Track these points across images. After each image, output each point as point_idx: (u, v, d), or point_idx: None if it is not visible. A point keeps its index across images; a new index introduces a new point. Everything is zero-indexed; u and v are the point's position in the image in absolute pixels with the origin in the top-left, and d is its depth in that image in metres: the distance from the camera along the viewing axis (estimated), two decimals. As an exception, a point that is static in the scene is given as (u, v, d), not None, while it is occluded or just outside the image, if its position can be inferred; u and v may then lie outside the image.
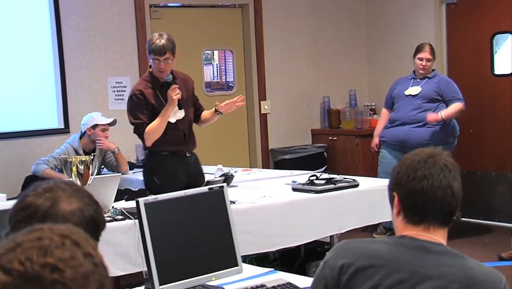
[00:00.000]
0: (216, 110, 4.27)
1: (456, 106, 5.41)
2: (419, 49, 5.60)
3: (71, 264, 0.97)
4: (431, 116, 5.34)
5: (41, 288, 0.94)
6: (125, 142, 5.73)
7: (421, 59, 5.56)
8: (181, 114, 4.12)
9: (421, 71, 5.57)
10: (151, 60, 4.07)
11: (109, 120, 5.05)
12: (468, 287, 1.70)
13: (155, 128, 4.02)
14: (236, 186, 4.24)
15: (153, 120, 4.03)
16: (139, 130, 4.09)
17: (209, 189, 2.41)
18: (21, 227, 1.38)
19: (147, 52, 4.11)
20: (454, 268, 1.73)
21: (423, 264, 1.73)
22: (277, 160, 6.46)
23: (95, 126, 5.04)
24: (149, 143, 4.07)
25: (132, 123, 4.13)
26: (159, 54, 3.98)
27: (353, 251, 1.78)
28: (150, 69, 4.15)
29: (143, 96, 4.06)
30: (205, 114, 4.37)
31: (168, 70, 4.06)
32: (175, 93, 3.97)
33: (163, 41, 4.00)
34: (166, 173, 4.10)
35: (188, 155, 4.19)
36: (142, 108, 4.05)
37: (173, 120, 4.10)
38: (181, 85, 4.11)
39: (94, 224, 1.50)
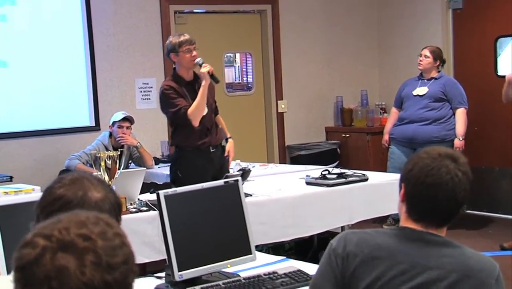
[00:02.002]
0: (226, 139, 4.30)
1: (462, 118, 5.41)
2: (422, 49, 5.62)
3: (103, 236, 1.04)
4: (458, 144, 5.34)
5: (74, 253, 1.00)
6: (151, 139, 5.77)
7: (420, 55, 5.57)
8: (205, 110, 4.12)
9: (418, 67, 5.56)
10: (180, 54, 4.02)
11: (122, 116, 5.05)
12: (466, 276, 1.69)
13: (197, 106, 3.96)
14: (254, 180, 4.24)
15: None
16: (182, 115, 3.98)
17: (225, 182, 2.42)
18: (55, 215, 1.45)
19: (171, 52, 4.05)
20: (452, 258, 1.72)
21: (423, 255, 1.72)
22: (293, 156, 6.45)
23: (113, 123, 5.07)
24: (195, 122, 3.98)
25: (173, 112, 4.04)
26: (190, 43, 4.01)
27: (358, 242, 1.76)
28: (176, 71, 4.13)
29: (174, 89, 4.05)
30: (222, 125, 4.35)
31: (197, 57, 4.05)
32: (205, 68, 3.96)
33: (186, 34, 4.06)
34: (189, 167, 4.09)
35: (212, 150, 4.16)
36: (176, 97, 4.03)
37: None
38: (210, 87, 4.10)
39: (119, 207, 1.56)
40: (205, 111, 4.09)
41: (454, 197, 1.72)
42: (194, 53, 4.03)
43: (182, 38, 4.02)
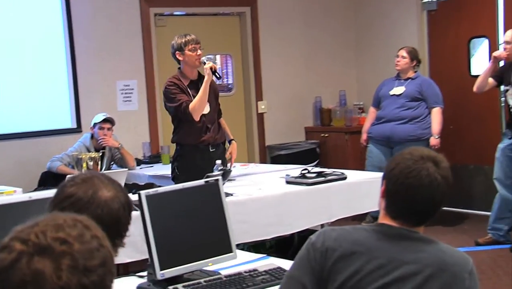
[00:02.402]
0: (229, 141, 4.35)
1: (438, 117, 5.47)
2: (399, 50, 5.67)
3: (79, 240, 1.03)
4: (434, 142, 5.40)
5: (51, 257, 0.99)
6: (133, 140, 5.76)
7: (397, 55, 5.63)
8: (207, 109, 4.12)
9: (396, 67, 5.62)
10: (186, 53, 4.04)
11: (102, 118, 5.04)
12: (440, 270, 1.71)
13: (197, 100, 3.97)
14: (234, 180, 4.25)
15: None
16: (184, 110, 4.00)
17: (206, 182, 2.42)
18: (67, 213, 1.46)
19: (177, 50, 4.07)
20: (428, 253, 1.74)
21: (400, 250, 1.74)
22: (273, 156, 6.47)
23: (94, 125, 5.06)
24: (196, 117, 4.00)
25: (175, 107, 4.04)
26: (196, 42, 4.05)
27: (337, 238, 1.77)
28: (180, 69, 4.14)
29: (177, 85, 4.07)
30: (224, 128, 4.36)
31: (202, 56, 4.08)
32: (209, 64, 3.97)
33: (193, 34, 4.09)
34: (187, 165, 4.09)
35: (212, 149, 4.15)
36: (179, 92, 4.05)
37: None
38: (211, 85, 4.10)
39: (129, 207, 1.58)
40: (207, 110, 4.11)
41: (432, 200, 1.74)
42: (199, 52, 4.06)
43: (188, 37, 4.06)
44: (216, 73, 4.06)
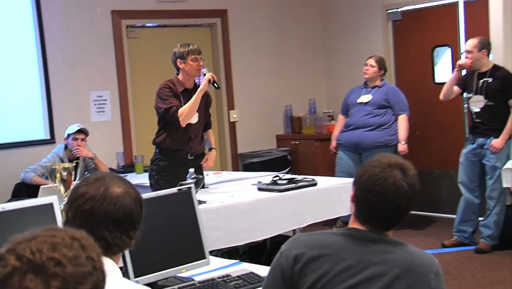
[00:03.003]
0: (210, 149, 4.36)
1: (404, 123, 5.55)
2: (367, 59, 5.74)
3: (74, 262, 1.01)
4: (401, 148, 5.48)
5: (43, 277, 0.98)
6: (106, 150, 5.72)
7: (366, 64, 5.70)
8: (195, 119, 4.11)
9: (364, 75, 5.68)
10: (188, 62, 4.02)
11: (76, 129, 5.00)
12: (407, 271, 1.74)
13: (188, 107, 3.97)
14: (207, 187, 4.24)
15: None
16: (173, 113, 3.98)
17: (179, 190, 2.42)
18: (81, 210, 1.55)
19: (178, 58, 4.05)
20: (395, 254, 1.76)
21: (368, 251, 1.76)
22: (246, 163, 6.48)
23: (68, 136, 5.01)
24: (183, 123, 3.99)
25: (164, 109, 4.02)
26: (199, 53, 4.05)
27: (306, 242, 1.80)
28: (177, 76, 4.11)
29: (170, 88, 4.06)
30: (210, 136, 4.39)
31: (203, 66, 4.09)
32: (209, 75, 3.97)
33: (195, 44, 4.09)
34: (164, 170, 4.08)
35: (190, 157, 4.13)
36: (171, 96, 4.03)
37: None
38: (202, 96, 4.09)
39: (140, 202, 1.62)
40: (195, 119, 4.10)
41: (398, 206, 1.76)
42: (201, 62, 4.06)
43: (191, 47, 4.06)
44: (215, 84, 4.04)
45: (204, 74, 4.05)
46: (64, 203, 1.61)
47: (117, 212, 1.56)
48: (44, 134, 5.57)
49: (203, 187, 4.12)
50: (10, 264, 0.98)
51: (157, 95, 4.11)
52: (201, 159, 4.24)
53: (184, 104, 4.02)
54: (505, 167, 4.82)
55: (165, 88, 4.06)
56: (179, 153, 4.10)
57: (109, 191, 1.57)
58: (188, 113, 3.99)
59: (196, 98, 3.98)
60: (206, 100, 4.21)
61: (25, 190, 4.86)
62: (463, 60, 5.10)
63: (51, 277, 0.98)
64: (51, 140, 5.51)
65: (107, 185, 1.58)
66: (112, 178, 1.62)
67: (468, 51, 5.05)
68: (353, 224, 1.83)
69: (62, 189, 3.10)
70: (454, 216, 5.34)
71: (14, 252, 1.00)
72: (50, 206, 2.25)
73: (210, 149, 4.37)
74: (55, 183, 3.13)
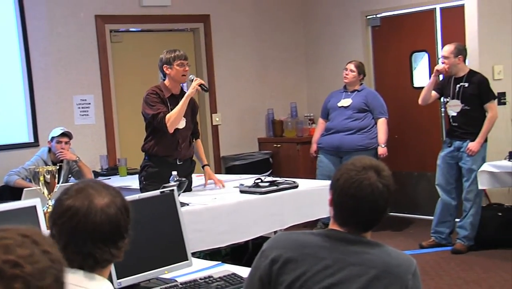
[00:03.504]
0: (202, 166, 4.33)
1: (383, 127, 5.59)
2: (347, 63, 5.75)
3: (30, 260, 0.99)
4: (381, 151, 5.51)
5: (3, 281, 0.95)
6: (90, 154, 5.69)
7: (345, 69, 5.72)
8: (182, 124, 4.08)
9: (344, 80, 5.71)
10: (174, 67, 4.00)
11: (60, 132, 4.96)
12: (384, 272, 1.75)
13: (175, 113, 3.94)
14: (191, 190, 4.23)
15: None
16: (160, 120, 3.96)
17: (161, 192, 2.42)
18: (67, 227, 1.48)
19: (165, 64, 4.03)
20: (373, 255, 1.77)
21: (345, 252, 1.77)
22: (228, 166, 6.48)
23: (52, 139, 4.98)
24: (171, 129, 3.96)
25: (151, 115, 3.99)
26: (185, 58, 4.03)
27: (286, 242, 1.81)
28: (163, 81, 4.10)
29: (158, 94, 4.04)
30: (199, 150, 4.35)
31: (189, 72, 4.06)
32: (197, 82, 3.94)
33: (182, 50, 4.06)
34: (153, 176, 4.04)
35: (179, 163, 4.10)
36: (158, 102, 4.01)
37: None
38: (192, 106, 4.09)
39: (126, 209, 1.55)
40: (182, 125, 4.07)
41: (375, 208, 1.77)
42: (186, 68, 4.04)
43: (177, 53, 4.03)
44: (204, 87, 4.02)
45: (191, 81, 4.04)
46: (48, 218, 1.55)
47: (104, 225, 1.48)
48: (27, 138, 5.52)
49: (189, 190, 4.12)
50: None
51: (144, 101, 4.09)
52: (189, 164, 4.22)
53: (171, 109, 4.01)
54: (480, 169, 4.87)
55: (152, 95, 4.04)
56: (168, 159, 4.08)
57: (94, 204, 1.49)
58: (175, 119, 3.97)
59: (183, 103, 3.97)
60: (192, 106, 4.19)
61: (9, 192, 4.81)
62: (440, 65, 5.15)
63: (11, 280, 0.96)
64: (35, 144, 5.47)
65: (91, 197, 1.50)
66: (94, 188, 1.53)
67: (444, 57, 5.10)
68: (332, 226, 1.84)
69: (45, 191, 3.08)
70: (432, 218, 5.38)
71: None
72: (34, 208, 2.24)
73: (203, 167, 4.32)
74: (39, 186, 3.11)
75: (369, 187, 1.75)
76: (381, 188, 1.76)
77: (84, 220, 1.47)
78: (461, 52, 5.09)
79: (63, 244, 1.47)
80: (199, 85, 3.96)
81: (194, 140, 4.34)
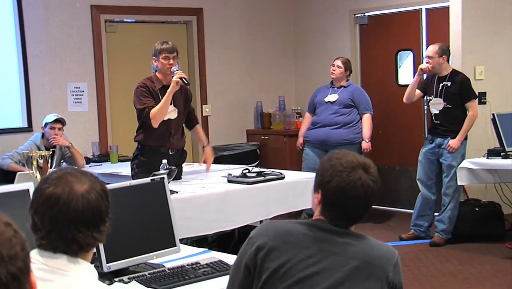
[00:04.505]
0: (203, 147, 4.33)
1: (368, 122, 5.59)
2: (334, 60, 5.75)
3: None
4: (365, 146, 5.50)
5: None
6: (83, 140, 5.65)
7: (333, 65, 5.71)
8: (174, 114, 4.05)
9: (331, 76, 5.71)
10: (160, 60, 3.97)
11: (53, 118, 4.92)
12: (366, 262, 1.75)
13: (158, 109, 3.91)
14: (180, 179, 4.21)
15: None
16: (146, 115, 3.94)
17: (151, 180, 2.40)
18: (49, 214, 1.46)
19: (154, 55, 4.00)
20: (355, 246, 1.77)
21: (329, 242, 1.77)
22: (217, 156, 6.41)
23: (46, 125, 4.93)
24: (155, 124, 3.93)
25: (139, 109, 3.98)
26: (170, 52, 3.97)
27: (271, 231, 1.81)
28: (155, 73, 4.07)
29: (147, 88, 4.00)
30: (199, 133, 4.35)
31: (173, 65, 4.00)
32: (177, 76, 3.89)
33: (170, 43, 4.02)
34: (145, 165, 4.01)
35: (171, 153, 4.07)
36: (146, 96, 3.97)
37: (165, 118, 4.02)
38: (180, 92, 4.04)
39: (106, 194, 1.54)
40: (175, 115, 4.05)
41: (365, 205, 1.78)
42: (171, 61, 3.98)
43: (164, 46, 3.99)
44: (184, 79, 3.95)
45: (173, 73, 3.99)
46: (29, 207, 1.52)
47: (85, 211, 1.47)
48: (21, 123, 5.47)
49: (179, 178, 4.10)
50: None
51: (134, 94, 4.07)
52: (180, 153, 4.20)
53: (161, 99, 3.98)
54: (460, 166, 4.90)
55: (141, 88, 4.01)
56: (160, 149, 4.06)
57: (74, 190, 1.47)
58: (158, 115, 3.93)
59: (165, 99, 3.92)
60: (185, 96, 4.16)
61: (1, 176, 4.76)
62: (424, 64, 5.16)
63: None
64: (29, 129, 5.42)
65: (71, 184, 1.48)
66: (74, 175, 1.51)
67: (429, 57, 5.10)
68: (318, 217, 1.83)
69: (38, 175, 3.05)
70: (412, 211, 5.41)
71: None
72: (27, 192, 2.22)
73: (203, 148, 4.31)
74: (32, 170, 3.09)
75: (362, 187, 1.75)
76: (372, 185, 1.76)
77: (66, 206, 1.46)
78: (445, 52, 5.10)
79: (46, 231, 1.46)
80: (180, 78, 3.93)
81: (194, 127, 4.30)
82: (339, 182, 1.75)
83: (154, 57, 4.03)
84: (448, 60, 5.16)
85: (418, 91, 5.26)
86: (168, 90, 3.93)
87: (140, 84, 4.03)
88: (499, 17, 5.78)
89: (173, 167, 4.16)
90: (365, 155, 5.29)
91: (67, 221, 1.46)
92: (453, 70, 5.15)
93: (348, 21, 6.54)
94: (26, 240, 1.05)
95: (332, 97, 5.69)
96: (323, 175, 1.78)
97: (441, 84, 5.10)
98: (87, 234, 1.47)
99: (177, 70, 3.98)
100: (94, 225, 1.50)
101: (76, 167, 4.35)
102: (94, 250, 1.58)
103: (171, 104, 4.03)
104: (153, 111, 3.93)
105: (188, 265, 2.32)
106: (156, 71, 4.10)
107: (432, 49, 5.10)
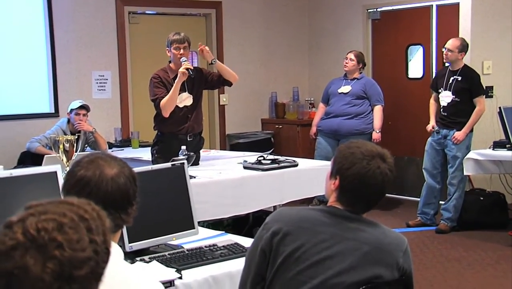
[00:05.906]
0: (211, 63, 4.17)
1: (379, 113, 5.53)
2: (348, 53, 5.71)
3: (74, 246, 0.94)
4: (375, 136, 5.45)
5: (42, 256, 0.92)
6: (106, 126, 5.67)
7: (346, 58, 5.66)
8: (189, 101, 4.05)
9: (344, 68, 5.66)
10: (172, 50, 3.97)
11: (78, 105, 4.93)
12: (377, 248, 1.74)
13: (167, 100, 3.90)
14: (198, 164, 4.21)
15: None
16: (157, 105, 3.95)
17: (172, 165, 2.40)
18: (80, 196, 1.38)
19: (167, 46, 4.00)
20: (367, 232, 1.76)
21: (342, 228, 1.76)
22: (233, 143, 6.45)
23: (71, 111, 4.95)
24: (165, 114, 3.93)
25: (151, 100, 4.00)
26: (181, 42, 3.96)
27: (287, 216, 1.80)
28: (169, 63, 4.06)
29: (159, 79, 4.00)
30: (221, 70, 4.17)
31: (184, 56, 3.97)
32: (183, 67, 3.87)
33: (182, 34, 4.01)
34: (164, 151, 4.01)
35: (189, 139, 4.07)
36: (159, 87, 3.97)
37: (180, 105, 4.01)
38: (198, 77, 4.01)
39: (134, 178, 1.54)
40: (190, 102, 4.04)
41: (381, 192, 1.78)
42: (182, 51, 3.97)
43: (175, 36, 3.98)
44: (190, 70, 3.91)
45: (181, 64, 3.94)
46: (62, 188, 1.52)
47: (114, 193, 1.47)
48: (49, 108, 5.50)
49: (197, 164, 4.10)
50: (16, 238, 0.92)
51: (149, 84, 4.07)
52: (199, 140, 4.20)
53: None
54: (467, 156, 4.85)
55: (154, 79, 4.00)
56: (178, 135, 4.05)
57: (104, 174, 1.48)
58: (168, 105, 3.92)
59: (173, 90, 3.90)
60: (199, 78, 4.08)
61: (30, 158, 4.80)
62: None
63: (49, 259, 0.92)
64: (55, 114, 5.45)
65: (101, 167, 1.49)
66: (104, 159, 1.52)
67: (448, 49, 5.02)
68: (333, 204, 1.81)
69: (64, 158, 3.06)
70: (418, 199, 5.37)
71: (23, 225, 0.93)
72: (54, 174, 2.23)
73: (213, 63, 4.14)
74: (58, 153, 3.10)
75: (380, 175, 1.74)
76: (389, 174, 1.76)
77: (96, 188, 1.46)
78: (464, 49, 5.03)
79: None
80: (186, 69, 3.89)
81: (220, 75, 4.14)
82: (360, 169, 1.73)
83: (167, 48, 4.03)
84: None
85: (434, 94, 5.21)
86: (176, 81, 3.92)
87: (153, 76, 4.03)
88: (507, 14, 5.70)
89: (192, 153, 4.16)
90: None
91: (96, 202, 1.43)
92: (465, 65, 5.09)
93: (361, 16, 6.47)
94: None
95: (345, 88, 5.65)
96: (342, 162, 1.76)
97: (452, 78, 5.04)
98: (116, 216, 1.47)
99: (185, 61, 3.95)
100: (122, 207, 1.50)
101: (105, 152, 4.36)
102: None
103: (185, 91, 4.03)
104: (162, 102, 3.92)
105: (206, 246, 2.32)
106: (169, 61, 4.09)
107: (453, 43, 5.01)
